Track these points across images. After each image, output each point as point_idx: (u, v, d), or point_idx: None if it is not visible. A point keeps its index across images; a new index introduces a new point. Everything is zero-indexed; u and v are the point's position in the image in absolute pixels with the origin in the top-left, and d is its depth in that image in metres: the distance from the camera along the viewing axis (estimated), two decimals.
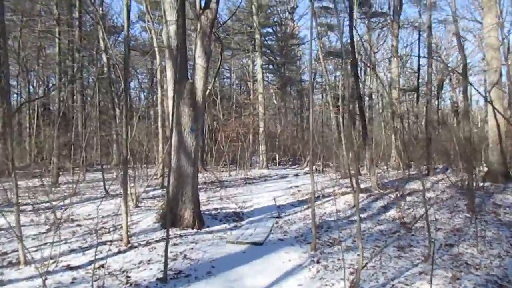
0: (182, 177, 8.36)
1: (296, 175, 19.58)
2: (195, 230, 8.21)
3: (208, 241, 7.40)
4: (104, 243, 7.17)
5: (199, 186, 15.90)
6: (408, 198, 11.41)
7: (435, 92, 29.51)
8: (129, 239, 7.27)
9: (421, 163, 20.50)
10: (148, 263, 6.13)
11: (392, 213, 9.94)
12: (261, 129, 22.10)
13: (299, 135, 29.21)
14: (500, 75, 14.61)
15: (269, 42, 35.78)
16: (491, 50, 14.61)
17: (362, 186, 14.20)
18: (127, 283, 5.31)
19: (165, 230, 7.67)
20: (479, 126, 33.68)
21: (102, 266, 5.88)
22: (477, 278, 5.24)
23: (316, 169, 22.19)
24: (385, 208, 10.41)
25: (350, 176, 11.64)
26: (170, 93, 8.43)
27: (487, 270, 5.62)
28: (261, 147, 22.16)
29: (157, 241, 7.28)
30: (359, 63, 30.00)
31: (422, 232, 7.99)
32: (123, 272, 5.75)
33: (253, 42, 30.02)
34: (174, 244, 7.11)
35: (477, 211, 9.68)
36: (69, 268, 5.96)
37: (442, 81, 34.98)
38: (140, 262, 6.16)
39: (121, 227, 7.42)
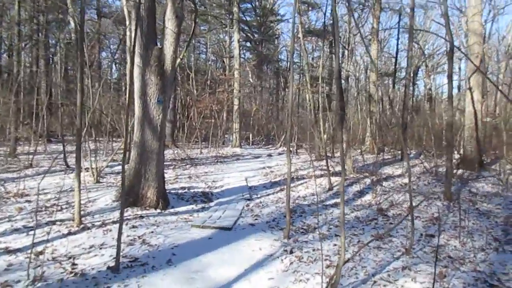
0: (145, 153, 7.56)
1: (270, 155, 18.97)
2: (158, 210, 7.47)
3: (171, 224, 6.69)
4: (54, 222, 6.35)
5: (167, 163, 15.22)
6: (384, 184, 10.97)
7: (411, 78, 29.30)
8: (82, 219, 6.48)
9: (395, 147, 20.26)
10: (101, 248, 5.37)
11: (368, 198, 9.45)
12: (235, 107, 21.29)
13: (274, 115, 28.54)
14: (481, 61, 14.26)
15: (248, 18, 34.63)
16: (473, 36, 14.18)
17: (336, 169, 13.72)
18: (71, 272, 4.54)
19: (126, 209, 6.91)
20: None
21: (44, 250, 5.09)
22: (465, 276, 4.74)
23: (290, 150, 21.66)
24: (361, 193, 9.91)
25: (327, 158, 11.08)
26: (136, 60, 7.54)
27: (473, 266, 5.14)
28: (235, 125, 21.39)
29: (114, 222, 6.51)
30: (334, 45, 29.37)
31: (400, 219, 7.52)
32: (70, 258, 4.97)
33: (230, 16, 28.89)
34: (133, 227, 6.36)
35: (454, 199, 9.31)
36: (7, 251, 5.14)
37: (417, 67, 34.90)
38: (91, 247, 5.40)
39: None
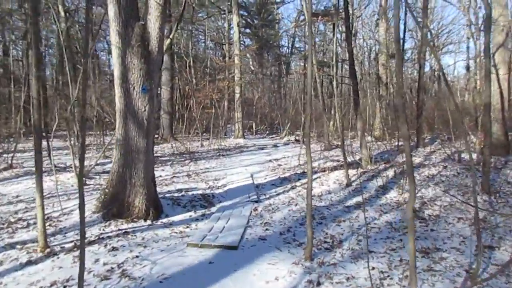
0: (130, 153, 6.15)
1: (275, 146, 17.54)
2: (148, 222, 6.08)
3: (162, 242, 5.29)
4: (13, 245, 4.97)
5: (164, 159, 13.78)
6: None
7: (424, 57, 27.64)
8: (51, 239, 5.12)
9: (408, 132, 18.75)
10: (65, 286, 3.99)
11: (394, 195, 8.04)
12: (237, 95, 19.79)
13: (278, 103, 27.01)
14: (507, 35, 12.72)
15: (247, 3, 32.90)
16: (498, 7, 12.61)
17: (349, 159, 12.30)
18: None
19: (108, 223, 5.54)
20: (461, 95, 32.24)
21: None
22: None
23: (295, 140, 20.23)
24: (384, 189, 8.49)
25: (343, 148, 9.64)
26: (114, 39, 6.08)
27: None
28: (237, 114, 19.92)
29: (91, 243, 5.12)
30: (339, 27, 27.78)
31: (442, 223, 6.11)
32: None
33: (229, 2, 27.24)
34: (113, 249, 4.95)
35: (494, 192, 7.91)
36: None
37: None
38: (52, 285, 4.01)
39: (49, 218, 5.26)
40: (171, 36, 7.59)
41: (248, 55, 30.72)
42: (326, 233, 5.80)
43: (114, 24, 6.03)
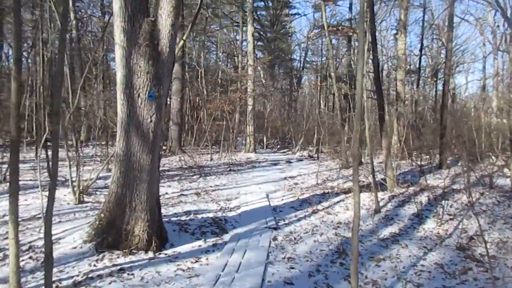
0: (132, 171, 5.12)
1: (289, 161, 16.46)
2: (150, 254, 5.02)
3: (165, 284, 4.22)
4: None
5: (172, 173, 12.71)
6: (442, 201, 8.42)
7: (450, 74, 26.66)
8: (28, 278, 4.06)
9: (428, 153, 17.57)
10: None
11: (431, 226, 6.93)
12: (249, 107, 18.79)
13: (289, 116, 25.99)
14: None
15: (260, 16, 32.16)
16: None
17: (370, 179, 11.19)
18: None
19: (101, 255, 4.51)
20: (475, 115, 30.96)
21: None
22: None
23: (309, 155, 19.14)
24: (420, 218, 7.38)
25: (373, 168, 8.55)
26: (118, 37, 5.11)
27: None
28: (248, 127, 18.90)
29: (77, 285, 4.07)
30: (354, 42, 26.87)
31: (503, 268, 4.99)
32: None
33: (242, 14, 26.51)
34: None
35: None
36: None
37: (439, 65, 32.15)
38: None
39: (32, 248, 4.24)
40: (184, 38, 6.61)
41: (259, 67, 29.89)
42: (366, 276, 4.70)
43: (119, 19, 5.06)
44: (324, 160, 16.86)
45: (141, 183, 5.13)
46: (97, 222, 5.20)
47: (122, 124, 5.15)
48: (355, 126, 4.05)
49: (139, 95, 5.06)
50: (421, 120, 22.71)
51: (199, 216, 6.99)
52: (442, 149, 14.55)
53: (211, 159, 15.85)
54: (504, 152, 16.97)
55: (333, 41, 31.27)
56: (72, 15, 19.78)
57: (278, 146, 23.45)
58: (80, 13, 23.15)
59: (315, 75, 35.65)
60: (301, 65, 36.14)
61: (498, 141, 19.00)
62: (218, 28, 30.48)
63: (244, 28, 25.86)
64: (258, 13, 31.37)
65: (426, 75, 31.12)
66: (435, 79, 31.53)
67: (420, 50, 25.21)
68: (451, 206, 7.98)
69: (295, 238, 6.22)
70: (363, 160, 16.25)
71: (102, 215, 5.20)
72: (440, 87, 32.77)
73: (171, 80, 5.42)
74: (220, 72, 24.94)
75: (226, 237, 6.13)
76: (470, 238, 6.27)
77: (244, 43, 28.86)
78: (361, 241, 6.10)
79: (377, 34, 29.11)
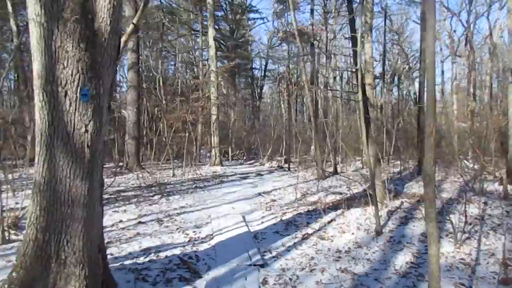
0: (59, 206, 3.40)
1: (259, 174, 14.92)
2: None
3: None
4: None
5: (128, 194, 10.74)
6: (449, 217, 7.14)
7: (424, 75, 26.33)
8: None
9: (399, 158, 16.58)
10: None
11: (449, 249, 5.62)
12: (213, 117, 17.09)
13: (255, 126, 24.49)
14: None
15: (219, 26, 30.70)
16: None
17: (352, 191, 9.89)
18: None
19: None
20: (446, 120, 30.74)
21: None
22: None
23: (279, 166, 17.70)
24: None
25: (373, 179, 7.13)
26: (33, 9, 3.40)
27: None
28: (213, 138, 17.18)
29: None
30: (315, 50, 25.99)
31: None
32: None
33: (201, 19, 24.93)
34: None
35: None
36: None
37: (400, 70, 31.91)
38: None
39: None
40: (134, 21, 4.94)
41: (220, 78, 28.32)
42: None
43: None
44: (297, 171, 15.48)
45: (73, 223, 3.42)
46: (6, 285, 3.41)
47: (43, 137, 3.43)
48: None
49: (66, 94, 3.38)
50: (390, 125, 21.91)
51: (162, 255, 5.28)
52: (422, 155, 13.52)
53: (174, 175, 14.04)
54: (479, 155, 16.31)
55: (293, 48, 30.35)
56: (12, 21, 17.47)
57: (245, 157, 21.88)
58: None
59: (276, 83, 34.59)
60: (262, 74, 34.97)
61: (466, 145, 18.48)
62: (176, 37, 28.69)
63: (204, 38, 24.33)
64: (218, 22, 29.94)
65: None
66: (393, 84, 31.27)
67: (384, 54, 24.63)
68: (460, 222, 6.71)
69: (290, 279, 4.67)
70: (338, 169, 15.00)
71: (14, 274, 3.41)
72: (396, 92, 32.66)
73: (115, 74, 3.73)
74: (179, 81, 23.12)
75: (200, 284, 4.48)
76: (505, 265, 4.96)
77: (204, 52, 27.30)
78: (377, 279, 4.63)
79: (335, 41, 28.25)
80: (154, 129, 16.89)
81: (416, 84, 28.87)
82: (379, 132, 17.84)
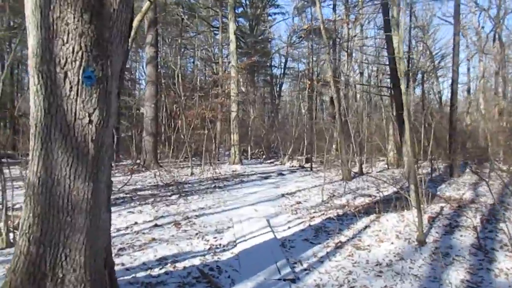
0: (56, 212, 2.77)
1: (281, 173, 14.20)
2: None
3: None
4: None
5: (144, 193, 10.04)
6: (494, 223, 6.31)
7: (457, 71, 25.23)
8: None
9: (428, 159, 15.65)
10: None
11: (508, 265, 4.81)
12: (233, 114, 16.45)
13: (275, 124, 23.75)
14: None
15: (239, 23, 30.07)
16: None
17: (384, 193, 9.11)
18: None
19: None
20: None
21: None
22: None
23: (300, 166, 16.96)
24: (484, 252, 5.25)
25: (416, 182, 6.34)
26: None
27: None
28: (233, 136, 16.54)
29: None
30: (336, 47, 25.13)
31: None
32: None
33: (221, 15, 24.31)
34: None
35: None
36: None
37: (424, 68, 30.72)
38: None
39: None
40: None
41: (239, 77, 27.67)
42: None
43: None
44: (320, 171, 14.71)
45: (74, 233, 2.79)
46: None
47: (38, 128, 2.80)
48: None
49: (66, 75, 2.74)
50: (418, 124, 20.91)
51: (180, 266, 4.63)
52: (453, 156, 12.61)
53: (192, 174, 13.45)
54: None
55: (314, 45, 29.51)
56: None
57: (264, 156, 21.19)
58: None
59: (297, 80, 33.78)
60: (282, 72, 34.18)
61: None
62: (195, 33, 28.18)
63: (223, 34, 23.70)
64: (237, 19, 29.33)
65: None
66: (416, 83, 30.07)
67: (409, 51, 23.58)
68: None
69: None
70: (363, 169, 14.18)
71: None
72: (418, 90, 31.44)
73: (127, 55, 3.07)
74: (198, 77, 22.56)
75: None
76: None
77: (224, 50, 26.71)
78: None
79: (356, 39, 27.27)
80: (173, 126, 16.31)
81: (438, 84, 27.81)
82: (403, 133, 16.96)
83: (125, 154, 19.10)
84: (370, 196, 9.60)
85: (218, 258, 5.05)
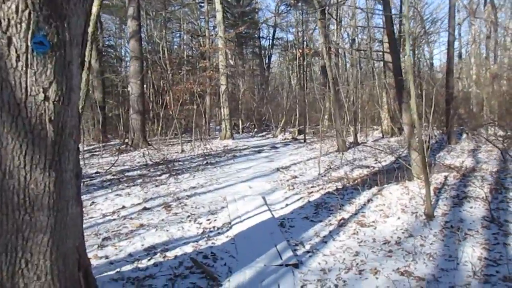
0: (11, 212, 2.26)
1: (274, 147, 13.76)
2: None
3: None
4: None
5: (133, 173, 9.47)
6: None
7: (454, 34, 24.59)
8: None
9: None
10: None
11: None
12: (223, 87, 15.79)
13: (267, 96, 23.10)
14: None
15: None
16: None
17: (382, 163, 8.75)
18: None
19: None
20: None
21: None
22: None
23: (293, 138, 16.52)
24: (498, 225, 4.87)
25: (423, 151, 5.89)
26: None
27: None
28: (223, 110, 15.94)
29: None
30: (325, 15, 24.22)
31: None
32: None
33: None
34: None
35: None
36: None
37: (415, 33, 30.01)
38: None
39: None
40: None
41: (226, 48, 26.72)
42: None
43: None
44: (314, 143, 14.29)
45: (35, 234, 2.29)
46: None
47: None
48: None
49: (10, 41, 2.17)
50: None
51: (171, 255, 4.18)
52: (450, 122, 12.21)
53: (182, 151, 12.94)
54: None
55: (301, 15, 28.56)
56: None
57: (256, 130, 20.68)
58: None
59: (286, 50, 32.92)
60: (270, 43, 33.23)
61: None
62: (180, 6, 27.00)
63: (208, 6, 22.62)
64: None
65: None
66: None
67: (400, 13, 22.81)
68: None
69: (336, 286, 3.56)
70: (358, 139, 13.78)
71: None
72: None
73: (88, 15, 2.46)
74: (185, 52, 21.70)
75: None
76: None
77: (210, 23, 25.63)
78: (453, 286, 3.48)
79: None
80: (160, 103, 15.66)
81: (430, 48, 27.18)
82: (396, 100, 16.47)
83: (113, 133, 18.46)
84: (368, 167, 9.22)
85: (213, 243, 4.62)
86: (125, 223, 5.33)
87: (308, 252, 4.39)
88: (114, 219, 5.63)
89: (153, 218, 5.56)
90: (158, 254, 4.16)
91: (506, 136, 12.47)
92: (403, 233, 4.81)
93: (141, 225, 5.15)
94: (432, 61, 29.48)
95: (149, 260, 4.00)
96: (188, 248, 4.37)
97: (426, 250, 4.26)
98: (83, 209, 5.80)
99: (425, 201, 5.28)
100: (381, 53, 18.54)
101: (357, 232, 4.92)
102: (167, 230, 4.94)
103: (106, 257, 4.04)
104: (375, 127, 18.87)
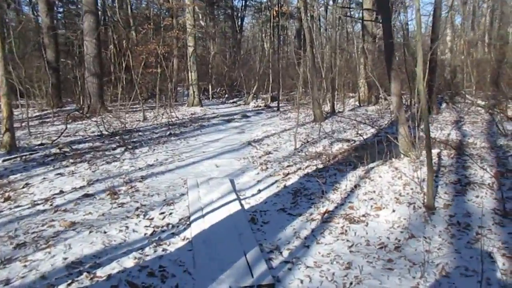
0: None
1: (245, 115, 12.58)
2: None
3: None
4: None
5: (83, 146, 7.45)
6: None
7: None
8: None
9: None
10: None
11: None
12: (190, 49, 14.26)
13: (239, 60, 21.57)
14: None
15: None
16: None
17: (364, 137, 7.81)
18: None
19: None
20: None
21: None
22: None
23: (266, 105, 15.35)
24: (510, 218, 3.99)
25: (427, 125, 4.87)
26: None
27: None
28: (191, 74, 14.48)
29: None
30: None
31: None
32: None
33: None
34: None
35: None
36: None
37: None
38: None
39: None
40: None
41: (197, 8, 24.71)
42: None
43: None
44: (288, 111, 13.20)
45: None
46: None
47: None
48: None
49: None
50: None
51: (102, 274, 3.01)
52: (432, 91, 11.33)
53: (145, 119, 11.56)
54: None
55: None
56: None
57: (227, 96, 19.33)
58: None
59: (258, 14, 31.11)
60: (243, 3, 31.27)
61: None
62: None
63: None
64: None
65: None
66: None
67: None
68: None
69: None
70: (335, 108, 12.77)
71: None
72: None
73: None
74: (151, 9, 19.73)
75: None
76: None
77: None
78: None
79: None
80: (122, 65, 14.02)
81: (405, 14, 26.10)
82: (375, 66, 15.48)
83: (72, 98, 16.70)
84: (348, 141, 8.23)
85: (164, 250, 3.51)
86: (55, 219, 4.12)
87: (286, 262, 3.35)
88: (43, 211, 4.41)
89: (92, 211, 4.36)
90: (85, 274, 2.99)
91: (493, 105, 11.80)
92: (401, 232, 3.85)
93: (73, 224, 3.94)
94: (407, 27, 28.47)
95: (68, 285, 2.85)
96: (129, 262, 3.23)
97: (434, 259, 3.31)
98: (12, 193, 4.51)
99: (427, 191, 4.32)
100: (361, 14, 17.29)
101: (346, 230, 3.92)
102: (105, 232, 3.77)
103: (7, 281, 2.86)
104: (351, 94, 17.91)
